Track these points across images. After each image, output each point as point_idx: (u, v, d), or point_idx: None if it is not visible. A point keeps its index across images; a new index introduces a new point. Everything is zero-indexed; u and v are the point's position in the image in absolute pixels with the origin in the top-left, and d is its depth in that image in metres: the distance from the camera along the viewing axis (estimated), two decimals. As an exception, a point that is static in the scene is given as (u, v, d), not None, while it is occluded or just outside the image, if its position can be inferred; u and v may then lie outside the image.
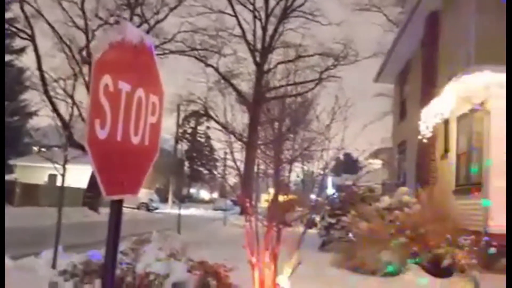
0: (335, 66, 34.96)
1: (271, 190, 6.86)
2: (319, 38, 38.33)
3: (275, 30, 35.37)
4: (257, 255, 5.15)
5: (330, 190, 13.69)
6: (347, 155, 44.46)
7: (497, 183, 8.64)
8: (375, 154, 25.84)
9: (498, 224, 8.38)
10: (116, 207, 2.12)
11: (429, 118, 11.58)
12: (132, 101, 2.14)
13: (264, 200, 8.21)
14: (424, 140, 12.03)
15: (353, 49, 34.46)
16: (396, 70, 19.06)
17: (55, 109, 22.47)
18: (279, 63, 35.39)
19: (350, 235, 9.76)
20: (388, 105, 28.79)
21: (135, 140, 2.20)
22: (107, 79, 1.94)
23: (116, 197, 2.09)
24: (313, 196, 7.38)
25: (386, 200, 10.84)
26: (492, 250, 7.59)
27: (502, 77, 8.76)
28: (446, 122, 11.47)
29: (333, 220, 12.71)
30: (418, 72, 14.78)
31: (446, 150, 11.71)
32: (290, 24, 35.78)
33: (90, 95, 1.86)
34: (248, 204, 5.92)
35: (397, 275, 8.07)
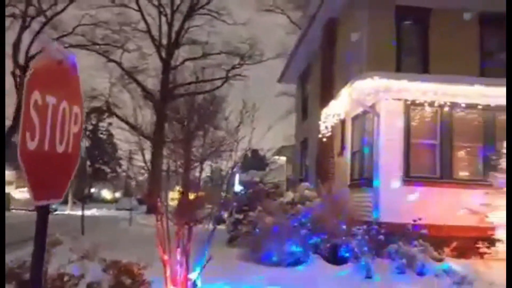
0: (241, 65, 35.70)
1: (179, 188, 7.01)
2: (225, 36, 38.74)
3: (181, 26, 35.12)
4: (168, 253, 5.35)
5: (238, 187, 14.08)
6: (254, 152, 45.46)
7: (384, 178, 9.66)
8: (280, 151, 26.89)
9: (384, 214, 9.41)
10: (43, 212, 2.26)
11: (327, 118, 12.46)
12: (57, 113, 2.30)
13: (171, 198, 8.28)
14: (324, 139, 12.90)
15: (258, 49, 35.45)
16: (298, 71, 19.80)
17: None
18: (186, 60, 35.28)
19: (257, 229, 10.23)
20: (291, 104, 29.99)
21: (60, 149, 2.36)
22: (36, 95, 2.09)
23: (44, 202, 2.24)
24: (222, 193, 7.65)
25: (289, 195, 11.55)
26: (380, 237, 8.49)
27: (389, 83, 9.80)
28: (343, 122, 12.43)
29: (240, 216, 13.13)
30: (318, 74, 15.68)
31: (343, 148, 12.69)
32: (196, 21, 35.80)
33: (22, 110, 2.01)
34: (158, 203, 6.07)
35: (299, 265, 8.70)
